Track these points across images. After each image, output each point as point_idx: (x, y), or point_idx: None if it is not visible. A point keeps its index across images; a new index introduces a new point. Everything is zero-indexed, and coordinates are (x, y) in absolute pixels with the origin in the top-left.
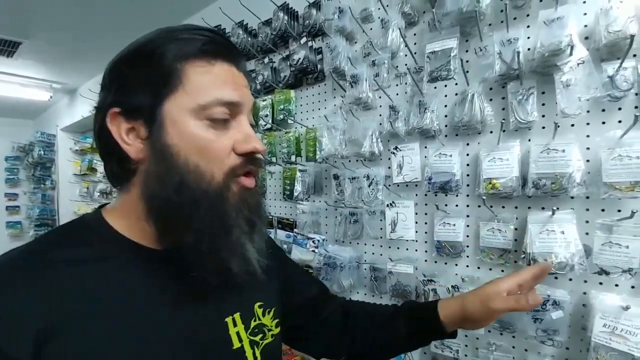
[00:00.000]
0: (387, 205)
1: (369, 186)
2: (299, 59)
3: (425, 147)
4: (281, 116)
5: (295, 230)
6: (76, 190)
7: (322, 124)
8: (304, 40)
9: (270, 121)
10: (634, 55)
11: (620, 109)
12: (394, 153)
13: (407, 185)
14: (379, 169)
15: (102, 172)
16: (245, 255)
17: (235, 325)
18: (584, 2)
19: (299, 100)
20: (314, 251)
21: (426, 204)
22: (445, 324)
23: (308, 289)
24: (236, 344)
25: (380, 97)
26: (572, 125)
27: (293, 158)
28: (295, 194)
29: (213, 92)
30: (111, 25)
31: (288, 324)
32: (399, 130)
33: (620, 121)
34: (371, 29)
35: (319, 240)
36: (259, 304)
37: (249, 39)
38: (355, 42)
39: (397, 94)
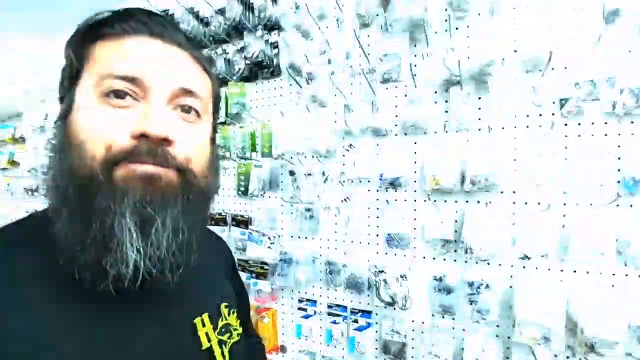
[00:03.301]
0: (342, 201)
1: (324, 182)
2: (255, 52)
3: (377, 145)
4: (235, 110)
5: (250, 227)
6: None
7: (278, 120)
8: (259, 33)
9: (224, 115)
10: (553, 69)
11: (540, 115)
12: (348, 150)
13: (360, 181)
14: (334, 165)
15: (25, 167)
16: (124, 258)
17: (204, 325)
18: (514, 18)
19: (254, 94)
20: (269, 248)
21: (377, 199)
22: None
23: (245, 313)
24: (205, 344)
25: (335, 95)
26: (503, 128)
27: (248, 153)
28: (251, 190)
29: (108, 65)
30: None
31: None
32: (353, 128)
33: (540, 126)
34: (327, 27)
35: (274, 237)
36: (225, 304)
37: (201, 27)
38: (311, 40)
39: (352, 93)
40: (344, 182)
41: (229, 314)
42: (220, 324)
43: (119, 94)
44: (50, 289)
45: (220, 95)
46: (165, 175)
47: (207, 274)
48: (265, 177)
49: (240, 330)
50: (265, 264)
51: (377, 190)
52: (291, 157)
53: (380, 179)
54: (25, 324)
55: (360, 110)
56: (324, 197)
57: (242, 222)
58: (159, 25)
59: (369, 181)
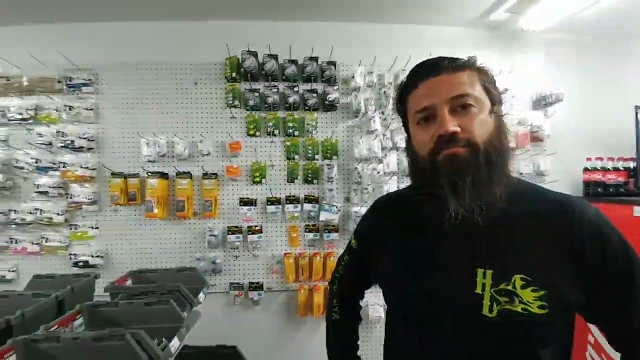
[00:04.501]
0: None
1: None
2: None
3: None
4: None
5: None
6: None
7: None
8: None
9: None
10: None
11: None
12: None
13: None
14: None
15: None
16: (447, 205)
17: (484, 277)
18: None
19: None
20: (336, 213)
21: None
22: None
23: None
24: (478, 290)
25: None
26: None
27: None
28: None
29: (413, 108)
30: None
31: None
32: None
33: None
34: None
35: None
36: (521, 276)
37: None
38: None
39: None
40: None
41: (522, 287)
42: (503, 286)
43: (424, 119)
44: (414, 221)
45: (491, 78)
46: (459, 152)
47: (517, 244)
48: None
49: (533, 309)
50: (332, 225)
51: None
52: None
53: None
54: (395, 228)
55: None
56: None
57: (314, 199)
58: (432, 68)
59: None
